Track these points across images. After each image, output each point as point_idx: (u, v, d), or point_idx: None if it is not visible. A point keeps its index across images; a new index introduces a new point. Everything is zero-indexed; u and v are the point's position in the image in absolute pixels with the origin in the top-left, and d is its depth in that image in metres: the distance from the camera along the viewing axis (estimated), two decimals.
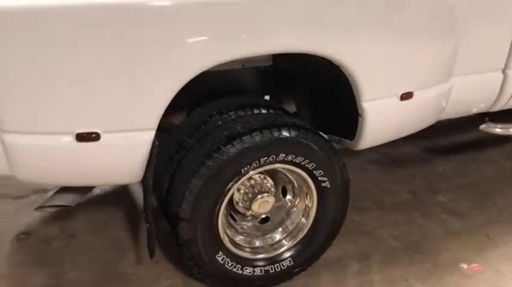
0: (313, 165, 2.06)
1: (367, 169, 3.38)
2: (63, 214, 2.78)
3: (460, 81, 2.49)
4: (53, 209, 2.14)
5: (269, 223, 2.31)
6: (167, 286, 2.28)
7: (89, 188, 2.26)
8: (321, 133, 2.12)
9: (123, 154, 1.81)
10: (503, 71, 2.62)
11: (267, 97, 2.59)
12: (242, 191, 2.16)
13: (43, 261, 2.45)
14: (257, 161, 1.94)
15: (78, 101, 1.69)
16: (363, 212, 2.84)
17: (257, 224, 2.31)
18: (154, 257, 2.00)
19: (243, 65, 2.24)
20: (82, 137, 1.71)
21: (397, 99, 2.19)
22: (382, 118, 2.20)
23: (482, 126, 2.93)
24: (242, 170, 1.93)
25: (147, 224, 1.94)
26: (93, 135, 1.72)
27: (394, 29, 2.08)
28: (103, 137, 1.73)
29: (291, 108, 2.66)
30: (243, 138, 1.90)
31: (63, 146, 1.73)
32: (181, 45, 1.70)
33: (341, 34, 1.94)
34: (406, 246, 2.56)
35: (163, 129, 2.28)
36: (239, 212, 2.24)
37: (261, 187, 2.16)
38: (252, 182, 2.15)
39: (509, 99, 2.74)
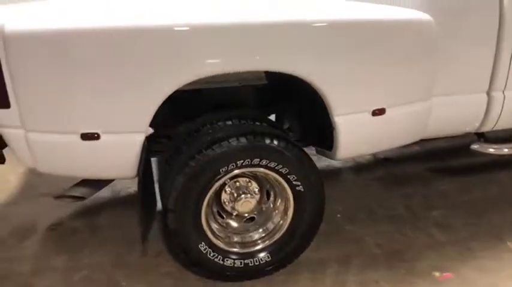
0: (286, 170, 2.33)
1: (370, 185, 3.58)
2: (91, 210, 3.25)
3: (443, 101, 2.68)
4: (69, 199, 2.54)
5: (254, 222, 2.59)
6: (164, 272, 2.60)
7: (102, 185, 2.65)
8: (293, 141, 2.39)
9: (119, 151, 2.19)
10: (488, 93, 2.77)
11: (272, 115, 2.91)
12: (229, 191, 2.47)
13: (66, 248, 2.87)
14: (234, 164, 2.25)
15: (84, 107, 2.10)
16: (355, 222, 3.05)
17: (243, 223, 2.59)
18: (146, 240, 2.33)
19: (239, 83, 2.58)
20: (86, 137, 2.12)
21: (369, 115, 2.43)
22: (355, 132, 2.45)
23: (475, 147, 3.04)
24: (221, 170, 2.25)
25: (140, 212, 2.28)
26: (95, 135, 2.12)
27: (364, 52, 2.34)
28: (102, 137, 2.13)
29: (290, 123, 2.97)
30: (222, 143, 2.23)
31: (71, 143, 2.14)
32: (156, 69, 2.07)
33: (309, 56, 2.23)
34: (388, 253, 2.73)
35: (168, 137, 2.69)
36: (227, 211, 2.54)
37: (246, 189, 2.46)
38: (238, 184, 2.46)
39: (497, 120, 2.87)
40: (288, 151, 2.31)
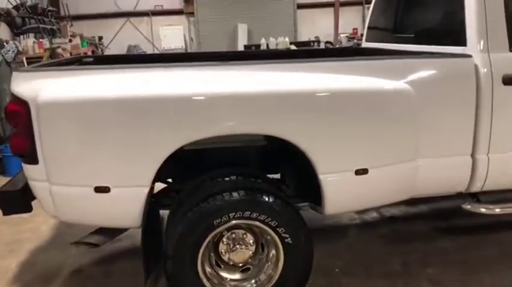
0: (275, 223, 2.59)
1: (372, 241, 3.73)
2: (110, 258, 3.56)
3: (428, 162, 2.88)
4: (85, 246, 2.86)
5: (248, 273, 2.81)
6: None
7: (116, 234, 2.97)
8: (283, 197, 2.66)
9: (126, 203, 2.52)
10: (472, 156, 2.96)
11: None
12: (225, 242, 2.73)
13: None
14: (227, 216, 2.53)
15: (98, 165, 2.47)
16: (352, 276, 3.21)
17: (238, 272, 2.81)
18: (148, 279, 2.60)
19: (242, 144, 2.89)
20: (98, 189, 2.47)
21: (352, 174, 2.68)
22: (339, 189, 2.69)
23: (467, 207, 3.18)
24: (214, 222, 2.53)
25: (143, 258, 2.57)
26: (106, 189, 2.46)
27: (346, 119, 2.62)
28: (112, 190, 2.47)
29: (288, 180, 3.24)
30: (216, 197, 2.53)
31: (86, 195, 2.49)
32: (154, 134, 2.43)
33: (294, 121, 2.54)
34: None
35: (177, 191, 3.01)
36: (224, 261, 2.78)
37: (241, 241, 2.72)
38: (234, 236, 2.72)
39: (484, 181, 3.03)
40: (277, 205, 2.57)
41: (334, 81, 2.62)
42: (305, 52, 5.95)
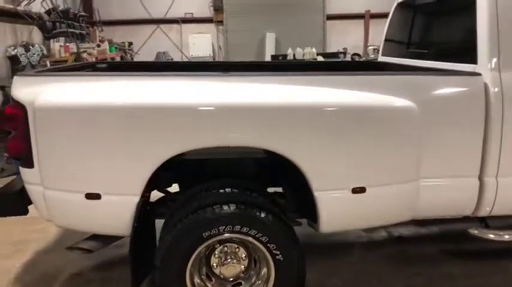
0: (266, 238, 2.53)
1: (377, 261, 3.62)
2: (109, 263, 3.56)
3: (432, 183, 2.77)
4: (79, 251, 2.87)
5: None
6: None
7: (110, 241, 2.96)
8: (276, 212, 2.59)
9: (116, 211, 2.51)
10: (479, 178, 2.83)
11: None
12: (217, 255, 2.68)
13: None
14: (216, 229, 2.49)
15: (90, 172, 2.47)
16: None
17: None
18: None
19: (240, 155, 2.85)
20: (89, 196, 2.47)
21: (349, 192, 2.59)
22: (334, 207, 2.61)
23: (474, 232, 3.04)
24: (203, 234, 2.49)
25: (131, 264, 2.54)
26: (96, 195, 2.46)
27: (343, 135, 2.55)
28: (103, 197, 2.47)
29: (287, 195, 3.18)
30: (207, 209, 2.49)
31: (77, 201, 2.49)
32: (145, 144, 2.42)
33: (287, 136, 2.48)
34: None
35: (175, 201, 2.98)
36: (216, 274, 2.73)
37: (233, 255, 2.67)
38: (226, 249, 2.68)
39: (493, 206, 2.89)
40: (268, 220, 2.51)
41: (331, 95, 2.56)
42: (316, 65, 5.89)
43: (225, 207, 2.49)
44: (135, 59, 13.00)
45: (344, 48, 12.97)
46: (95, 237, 2.90)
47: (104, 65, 4.15)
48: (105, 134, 2.42)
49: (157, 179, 2.69)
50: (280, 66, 5.06)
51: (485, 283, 3.26)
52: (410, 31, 3.88)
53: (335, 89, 2.61)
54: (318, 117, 2.52)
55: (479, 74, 2.77)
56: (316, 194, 2.57)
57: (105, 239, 2.92)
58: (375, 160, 2.62)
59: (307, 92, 2.59)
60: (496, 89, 2.74)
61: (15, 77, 2.63)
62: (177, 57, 14.07)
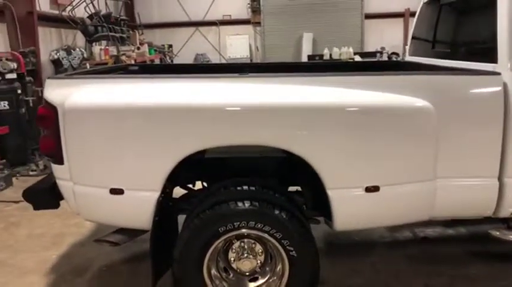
0: (280, 235, 2.61)
1: (398, 260, 3.62)
2: (139, 256, 3.73)
3: (449, 183, 2.77)
4: (106, 244, 3.04)
5: (257, 281, 2.85)
6: None
7: (136, 234, 3.11)
8: (291, 209, 2.65)
9: (138, 205, 2.65)
10: (499, 179, 2.80)
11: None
12: (234, 250, 2.79)
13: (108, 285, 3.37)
14: (231, 225, 2.59)
15: (114, 168, 2.63)
16: None
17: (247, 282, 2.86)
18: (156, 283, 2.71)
19: (260, 154, 2.95)
20: (113, 191, 2.62)
21: (362, 191, 2.63)
22: (348, 205, 2.66)
23: (496, 233, 3.00)
24: (219, 229, 2.60)
25: (151, 258, 2.68)
26: (120, 190, 2.62)
27: (356, 135, 2.59)
28: (126, 192, 2.62)
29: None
30: (222, 205, 2.59)
31: (102, 196, 2.66)
32: (164, 142, 2.55)
33: (301, 135, 2.55)
34: None
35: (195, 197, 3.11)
36: (233, 268, 2.84)
37: (250, 250, 2.76)
38: (242, 244, 2.77)
39: None
40: (282, 217, 2.59)
41: (345, 95, 2.60)
42: (344, 65, 5.89)
43: (240, 204, 2.59)
44: (174, 61, 13.31)
45: (382, 48, 12.81)
46: (121, 231, 3.06)
47: (135, 68, 4.34)
48: (128, 132, 2.57)
49: (179, 176, 2.82)
50: (307, 67, 5.11)
51: (507, 286, 3.20)
52: (435, 31, 3.86)
53: (350, 89, 2.65)
54: (331, 117, 2.58)
55: (498, 74, 2.74)
56: (329, 192, 2.62)
57: (130, 233, 3.07)
58: (389, 159, 2.64)
59: (322, 93, 2.64)
60: None
61: (47, 80, 2.82)
62: (215, 58, 14.29)
